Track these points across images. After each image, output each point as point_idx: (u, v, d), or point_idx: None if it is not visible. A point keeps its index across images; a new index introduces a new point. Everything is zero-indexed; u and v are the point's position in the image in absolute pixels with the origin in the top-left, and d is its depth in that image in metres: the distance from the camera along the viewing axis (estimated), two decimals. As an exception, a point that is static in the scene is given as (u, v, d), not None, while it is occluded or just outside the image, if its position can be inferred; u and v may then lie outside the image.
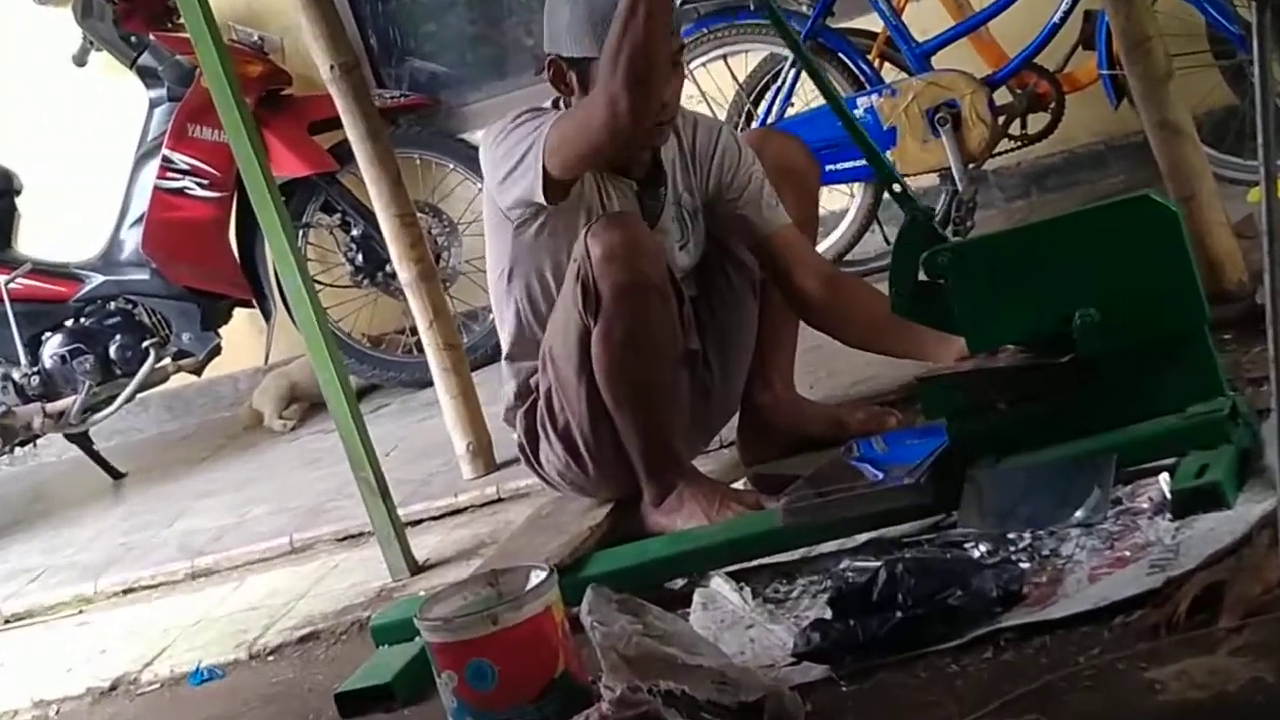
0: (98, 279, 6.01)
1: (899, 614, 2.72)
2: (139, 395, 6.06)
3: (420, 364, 5.26)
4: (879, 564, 2.88)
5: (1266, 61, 3.42)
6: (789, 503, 3.24)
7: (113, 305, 6.01)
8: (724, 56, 5.50)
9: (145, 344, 5.98)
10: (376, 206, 4.61)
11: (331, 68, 4.48)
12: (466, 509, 4.46)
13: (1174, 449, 2.98)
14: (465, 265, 5.93)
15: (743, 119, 5.48)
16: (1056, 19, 4.99)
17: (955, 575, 2.75)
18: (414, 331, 5.17)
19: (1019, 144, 5.21)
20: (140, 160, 5.97)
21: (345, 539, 4.54)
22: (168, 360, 6.04)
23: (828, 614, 2.83)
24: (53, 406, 5.92)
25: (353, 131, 4.55)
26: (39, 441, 6.17)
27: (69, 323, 5.99)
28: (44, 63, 6.36)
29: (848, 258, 5.32)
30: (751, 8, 5.30)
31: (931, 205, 5.36)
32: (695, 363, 3.72)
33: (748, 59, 5.54)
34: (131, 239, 5.98)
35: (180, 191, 5.87)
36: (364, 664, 3.43)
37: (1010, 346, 3.17)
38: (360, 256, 5.98)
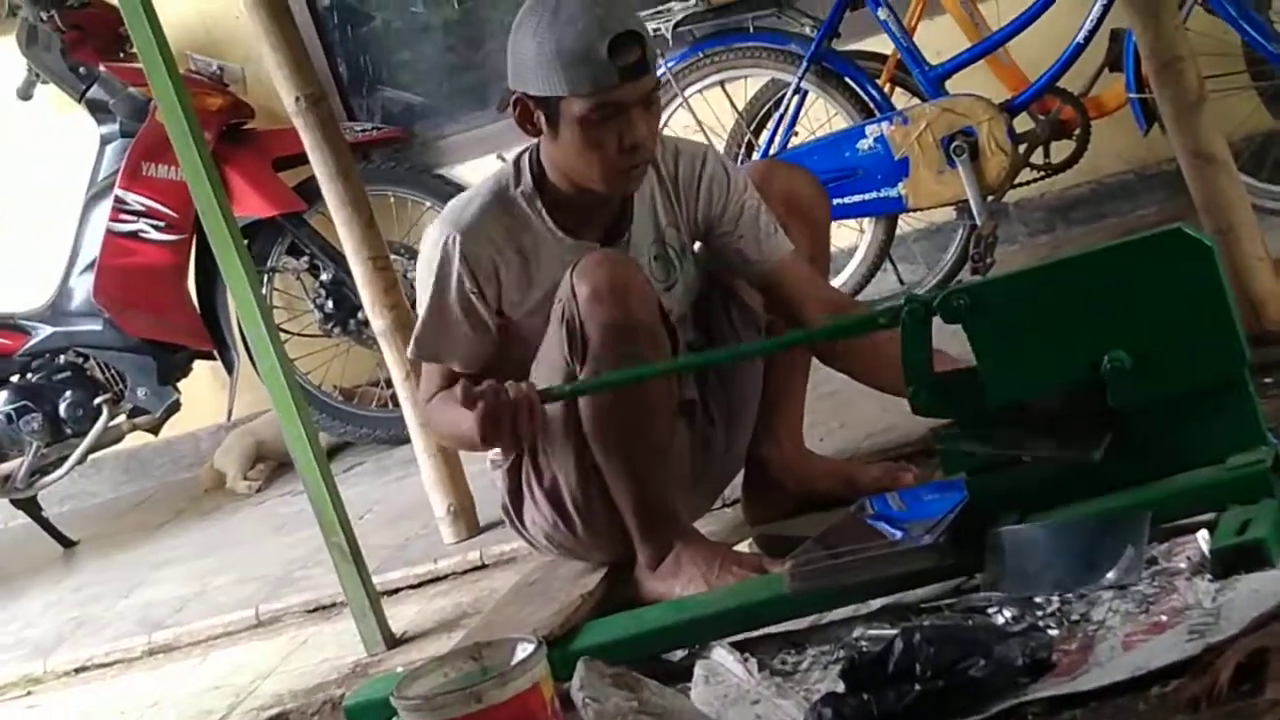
0: (46, 331, 6.02)
1: (917, 686, 2.71)
2: (91, 456, 6.07)
3: (396, 419, 5.26)
4: (895, 632, 2.87)
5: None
6: (797, 565, 3.24)
7: (62, 359, 6.03)
8: (722, 83, 5.53)
9: (98, 401, 5.99)
10: (347, 249, 4.62)
11: (297, 99, 4.49)
12: (447, 576, 4.46)
13: (1213, 504, 2.97)
14: (444, 311, 5.93)
15: (743, 150, 5.51)
16: (1080, 39, 5.02)
17: (978, 643, 2.75)
18: (389, 384, 5.19)
19: (1042, 174, 5.23)
20: (91, 201, 5.98)
21: (316, 610, 4.53)
22: (122, 418, 6.05)
23: (840, 687, 2.82)
24: (-3, 470, 5.93)
25: (321, 168, 4.56)
26: (-18, 508, 6.18)
27: (14, 378, 6.00)
28: (-15, 97, 6.38)
29: (858, 298, 5.32)
30: (751, 30, 5.33)
31: (947, 241, 5.41)
32: (694, 414, 3.72)
33: (747, 85, 5.56)
34: (82, 287, 5.99)
35: (134, 235, 5.89)
36: (337, 747, 3.43)
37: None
38: (330, 303, 5.99)
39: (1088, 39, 5.01)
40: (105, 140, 6.00)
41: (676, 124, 5.43)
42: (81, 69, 5.96)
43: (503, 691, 2.83)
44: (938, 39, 5.37)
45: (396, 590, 4.45)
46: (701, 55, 5.44)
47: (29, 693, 4.70)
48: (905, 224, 5.64)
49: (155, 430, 6.19)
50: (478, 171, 6.01)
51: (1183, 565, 2.91)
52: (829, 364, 3.80)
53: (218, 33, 6.32)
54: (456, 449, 3.49)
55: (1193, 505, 3.00)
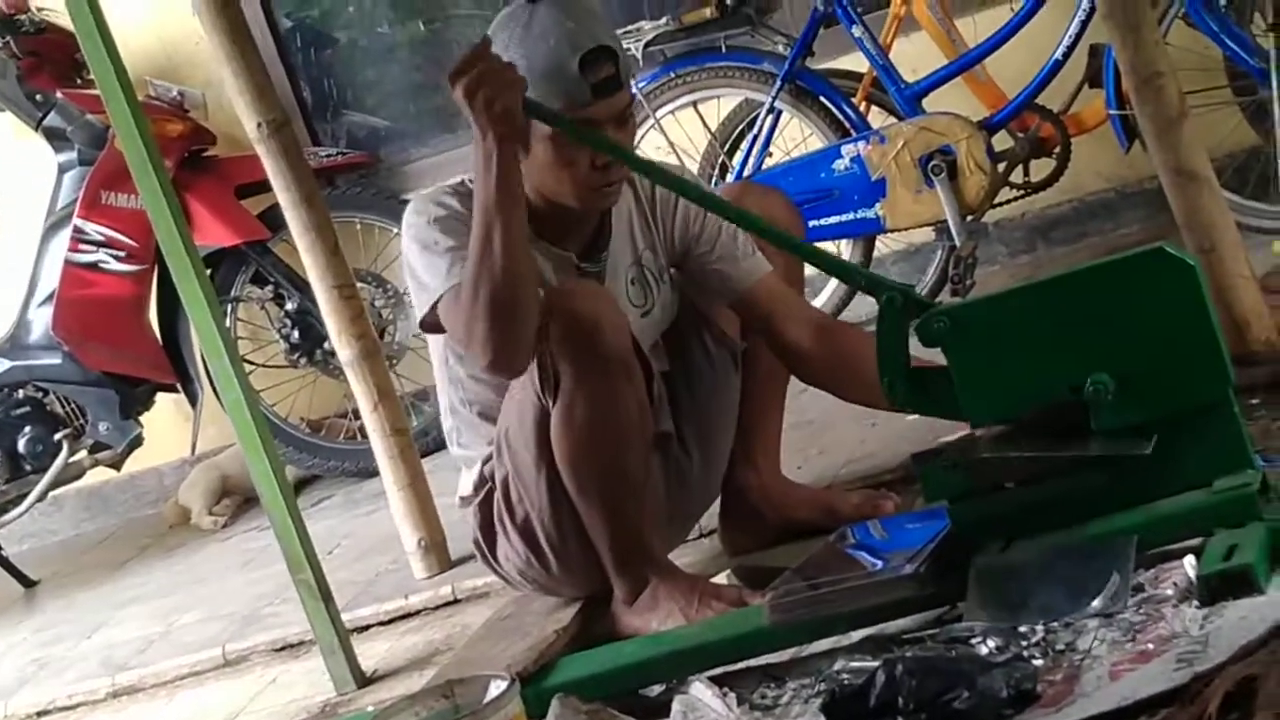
0: (3, 365, 6.02)
1: (900, 719, 2.72)
2: (52, 493, 6.06)
3: (364, 451, 5.26)
4: (877, 664, 2.87)
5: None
6: (776, 597, 3.23)
7: (20, 394, 6.01)
8: (694, 103, 5.53)
9: (58, 436, 5.98)
10: (312, 277, 4.62)
11: (259, 125, 4.49)
12: (419, 612, 4.45)
13: (1199, 528, 2.98)
14: (412, 340, 5.94)
15: (716, 171, 5.51)
16: (1059, 55, 5.03)
17: (961, 675, 2.75)
18: (357, 415, 5.18)
19: (1021, 193, 5.24)
20: (49, 231, 5.98)
21: (284, 649, 4.52)
22: (83, 453, 6.04)
23: (821, 721, 2.83)
24: (-46, 508, 5.92)
25: (284, 195, 4.56)
26: (-60, 547, 6.16)
27: (-29, 414, 5.99)
28: (-61, 126, 6.38)
29: (843, 315, 5.33)
30: (723, 49, 5.34)
31: (926, 263, 5.42)
32: (669, 445, 3.73)
33: (720, 105, 5.57)
34: (40, 319, 5.98)
35: (94, 265, 5.88)
36: (307, 789, 3.42)
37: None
38: (296, 333, 5.99)
39: (1066, 55, 5.02)
40: (63, 169, 5.99)
41: (648, 145, 5.43)
42: (38, 96, 5.95)
43: (476, 730, 2.83)
44: (914, 56, 5.38)
45: (366, 627, 4.45)
46: (673, 75, 5.45)
47: (-11, 737, 4.69)
48: (883, 245, 5.65)
49: (117, 465, 6.17)
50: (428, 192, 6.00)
51: (1169, 592, 2.92)
52: (808, 379, 3.80)
53: (177, 58, 6.32)
54: (495, 298, 3.29)
55: (1178, 530, 3.00)
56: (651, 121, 5.48)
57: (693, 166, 5.48)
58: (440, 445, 5.21)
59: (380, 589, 4.64)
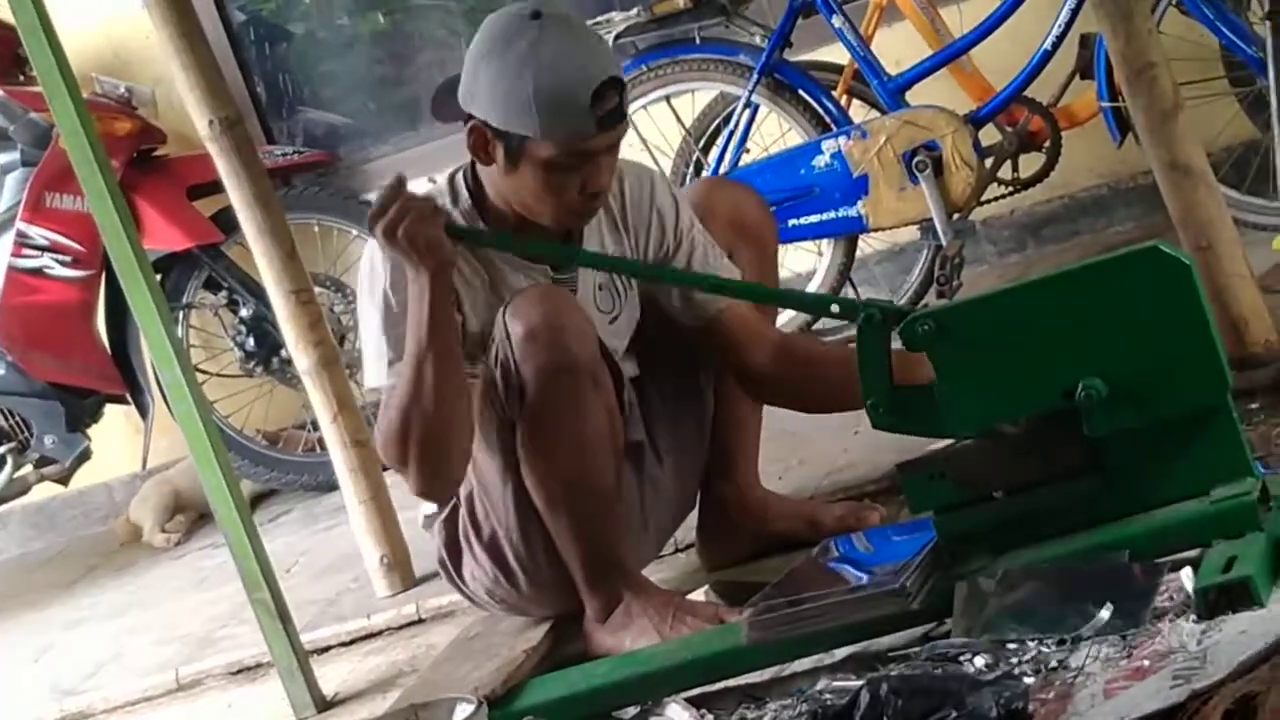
0: (-56, 376, 6.00)
1: (885, 741, 2.72)
2: (-4, 510, 6.04)
3: (324, 463, 5.25)
4: (861, 683, 2.88)
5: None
6: (755, 614, 3.24)
7: (-38, 407, 6.00)
8: (667, 98, 5.53)
9: (1, 450, 5.96)
10: (268, 282, 4.61)
11: (211, 123, 4.49)
12: (381, 632, 4.45)
13: (1197, 539, 2.99)
14: (374, 348, 5.92)
15: (691, 169, 5.51)
16: (1048, 45, 5.03)
17: (949, 694, 2.75)
18: (315, 426, 5.17)
19: (1010, 190, 5.24)
20: (-10, 235, 5.97)
21: (240, 672, 4.52)
22: (29, 468, 6.03)
23: (803, 744, 2.84)
24: (-107, 526, 5.91)
25: (237, 196, 4.55)
26: (-122, 567, 6.15)
27: (-90, 428, 5.98)
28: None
29: (816, 326, 5.34)
30: (697, 41, 5.34)
31: (911, 263, 5.42)
32: (641, 455, 3.73)
33: (695, 99, 5.57)
34: (-18, 328, 5.97)
35: (38, 271, 5.87)
36: (264, 819, 3.42)
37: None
38: (251, 341, 5.99)
39: (1056, 45, 5.03)
40: (4, 170, 5.99)
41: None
42: (-23, 94, 5.95)
43: (441, 756, 2.84)
44: (897, 47, 5.39)
45: (327, 648, 4.44)
46: (645, 68, 5.44)
47: (-69, 768, 4.68)
48: (866, 245, 5.66)
49: (65, 480, 6.16)
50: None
51: (1166, 605, 2.93)
52: (769, 401, 3.86)
53: (125, 53, 6.31)
54: (421, 427, 3.36)
55: (1175, 541, 3.01)
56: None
57: (666, 164, 5.48)
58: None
59: (341, 608, 4.64)
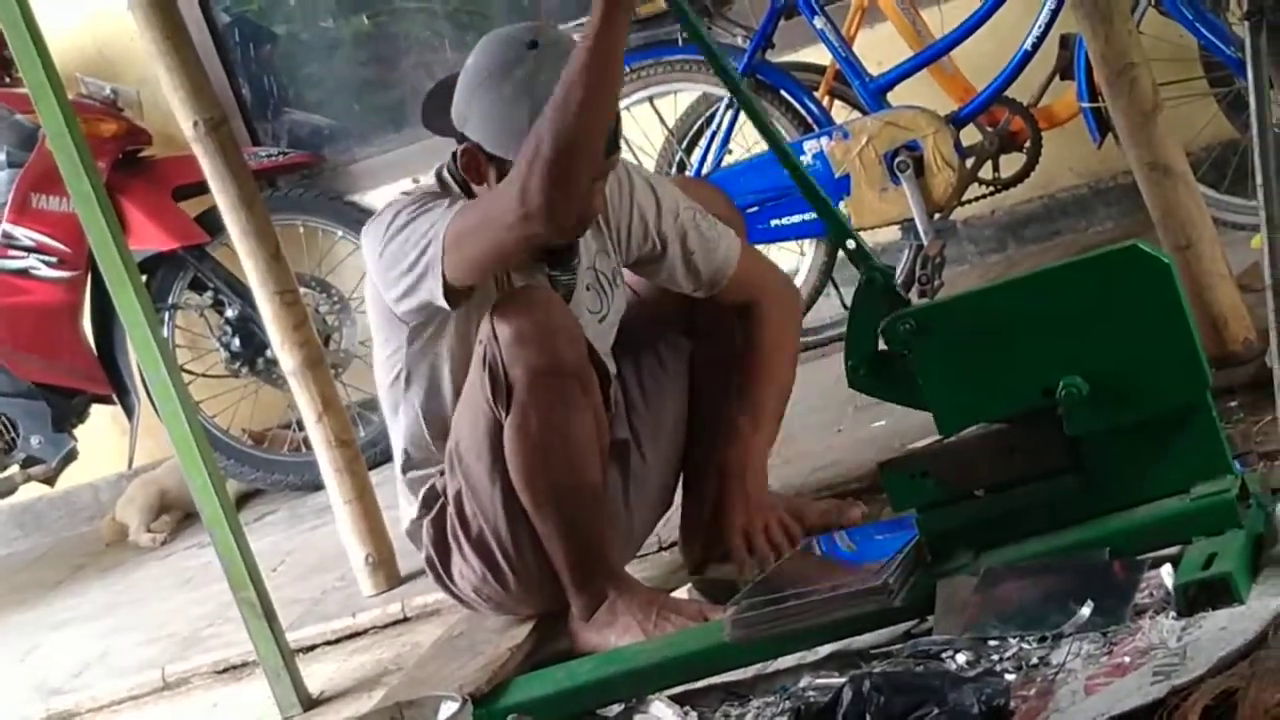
0: (-71, 377, 5.99)
1: (868, 738, 2.72)
2: (-18, 510, 6.03)
3: (309, 463, 5.25)
4: (843, 680, 2.88)
5: (1264, 88, 3.49)
6: (738, 612, 3.24)
7: (-52, 407, 5.99)
8: (650, 99, 5.53)
9: (-13, 451, 5.96)
10: (253, 283, 4.61)
11: (196, 124, 4.48)
12: (367, 631, 4.45)
13: (1177, 536, 3.00)
14: (359, 347, 5.93)
15: (674, 169, 5.51)
16: (1028, 46, 5.03)
17: (931, 691, 2.75)
18: (301, 426, 5.17)
19: (991, 189, 5.24)
20: (-25, 237, 5.96)
21: (226, 671, 4.52)
22: (15, 469, 6.02)
23: (786, 741, 2.83)
24: (-120, 526, 5.90)
25: (223, 197, 4.55)
26: None
27: (-103, 429, 5.96)
28: None
29: (815, 325, 5.34)
30: (680, 42, 5.34)
31: (893, 264, 5.42)
32: (626, 453, 3.73)
33: (677, 100, 5.57)
34: (-32, 329, 5.96)
35: (24, 272, 5.86)
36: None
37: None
38: (236, 341, 5.98)
39: (1036, 45, 5.03)
40: (-10, 171, 5.98)
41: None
42: (-38, 95, 5.94)
43: (426, 754, 2.83)
44: (878, 48, 5.39)
45: (313, 647, 4.44)
46: (628, 70, 5.43)
47: (-82, 767, 4.67)
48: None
49: (51, 481, 6.15)
50: (392, 197, 5.98)
51: (1146, 602, 2.93)
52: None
53: (110, 54, 6.30)
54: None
55: (1155, 538, 3.02)
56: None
57: (649, 164, 5.48)
58: (388, 457, 5.22)
59: (327, 607, 4.64)
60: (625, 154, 5.26)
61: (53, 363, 5.94)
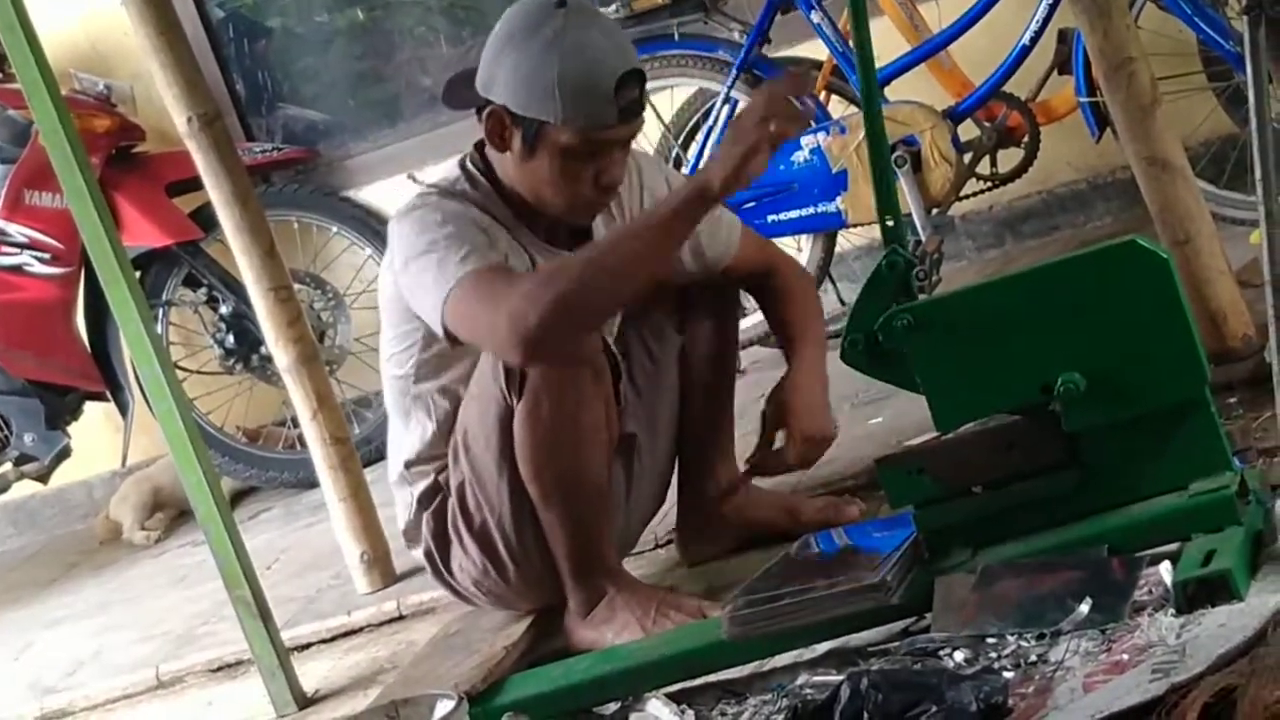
0: (-78, 374, 5.99)
1: (865, 736, 2.72)
2: (-26, 508, 6.03)
3: (304, 461, 5.25)
4: (841, 678, 2.88)
5: (1263, 83, 3.49)
6: (735, 609, 3.24)
7: (-60, 404, 5.99)
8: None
9: (-20, 448, 5.96)
10: (247, 279, 4.61)
11: (189, 119, 4.48)
12: (362, 629, 4.45)
13: (1176, 533, 3.00)
14: (354, 344, 5.93)
15: (670, 164, 5.51)
16: (1026, 40, 5.03)
17: (929, 688, 2.76)
18: (295, 423, 5.16)
19: (989, 185, 5.24)
20: (-32, 234, 5.95)
21: (221, 669, 4.51)
22: (8, 466, 6.01)
23: (784, 739, 2.83)
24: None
25: (217, 193, 4.55)
26: None
27: (-111, 426, 5.96)
28: None
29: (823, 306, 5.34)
30: (676, 37, 5.33)
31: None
32: (632, 447, 3.74)
33: (674, 95, 5.57)
34: (-40, 327, 5.95)
35: (17, 269, 5.86)
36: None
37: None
38: (231, 338, 5.98)
39: (1034, 40, 5.03)
40: (-18, 168, 5.97)
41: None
42: (-46, 91, 5.93)
43: (422, 752, 2.83)
44: (876, 43, 5.34)
45: (307, 645, 4.44)
46: (625, 65, 5.43)
47: (-89, 766, 4.67)
48: (845, 240, 5.66)
49: (44, 478, 6.15)
50: (387, 193, 6.01)
51: (1145, 599, 2.93)
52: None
53: (104, 49, 6.29)
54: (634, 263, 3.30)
55: (1154, 535, 3.02)
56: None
57: (645, 160, 5.47)
58: (383, 454, 5.22)
59: (321, 605, 4.63)
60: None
61: (46, 360, 5.94)
